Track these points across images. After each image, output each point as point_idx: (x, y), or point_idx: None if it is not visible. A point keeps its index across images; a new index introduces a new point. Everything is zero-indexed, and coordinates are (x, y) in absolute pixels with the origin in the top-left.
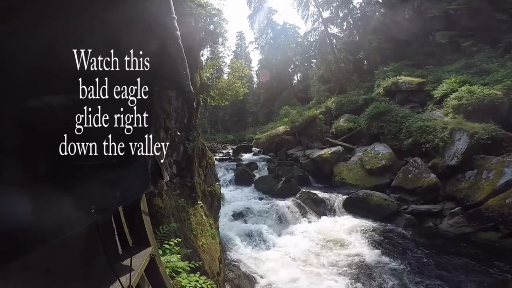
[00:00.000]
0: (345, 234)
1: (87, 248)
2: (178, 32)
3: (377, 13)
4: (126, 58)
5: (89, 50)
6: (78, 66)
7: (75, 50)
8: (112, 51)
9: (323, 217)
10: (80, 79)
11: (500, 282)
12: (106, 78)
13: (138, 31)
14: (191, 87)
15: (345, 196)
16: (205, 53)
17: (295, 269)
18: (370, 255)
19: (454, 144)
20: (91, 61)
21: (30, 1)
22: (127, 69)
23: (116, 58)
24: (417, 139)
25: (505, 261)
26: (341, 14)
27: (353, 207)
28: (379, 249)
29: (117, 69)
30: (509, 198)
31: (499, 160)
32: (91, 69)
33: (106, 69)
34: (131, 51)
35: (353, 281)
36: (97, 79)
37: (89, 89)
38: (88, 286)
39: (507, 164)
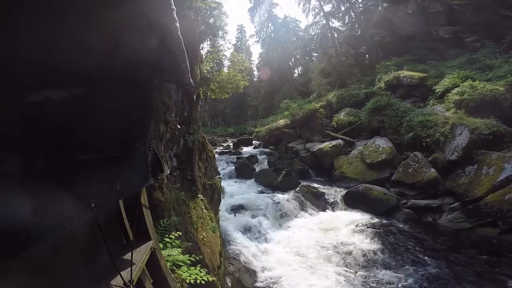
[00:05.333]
0: (345, 228)
1: (89, 243)
2: (178, 24)
3: (380, 8)
4: (126, 53)
5: (90, 47)
6: (79, 62)
7: (76, 47)
8: (112, 46)
9: (323, 211)
10: (80, 74)
11: (498, 278)
12: (106, 73)
13: (138, 27)
14: (191, 80)
15: (345, 190)
16: (205, 47)
17: (294, 262)
18: (369, 249)
19: (455, 139)
20: (92, 57)
21: (33, 1)
22: (127, 63)
23: (116, 53)
24: (418, 134)
25: (502, 257)
26: (343, 8)
27: (353, 201)
28: (378, 243)
29: (118, 63)
30: (508, 194)
31: (500, 155)
32: (92, 64)
33: (107, 64)
34: (131, 46)
35: (352, 275)
36: (97, 74)
37: (89, 83)
38: (90, 281)
39: (507, 160)
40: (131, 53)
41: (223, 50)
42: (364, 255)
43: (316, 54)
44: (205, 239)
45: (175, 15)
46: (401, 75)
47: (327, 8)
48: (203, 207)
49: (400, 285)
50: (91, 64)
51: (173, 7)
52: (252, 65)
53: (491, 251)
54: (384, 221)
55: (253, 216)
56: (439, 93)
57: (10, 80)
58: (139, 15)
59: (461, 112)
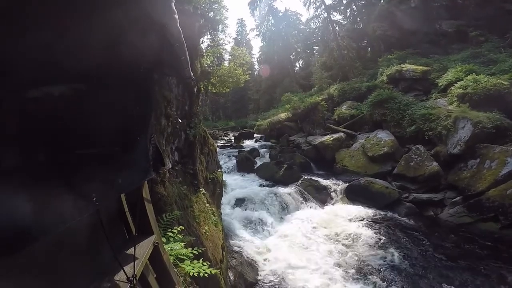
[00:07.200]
0: (346, 222)
1: (92, 238)
2: (176, 16)
3: (382, 1)
4: (128, 50)
5: (92, 45)
6: (80, 60)
7: (78, 46)
8: (114, 44)
9: (325, 204)
10: (80, 72)
11: (498, 273)
12: (107, 69)
13: (140, 24)
14: (191, 73)
15: (347, 183)
16: (205, 41)
17: (296, 256)
18: (370, 243)
19: (458, 132)
20: (93, 55)
21: (36, 1)
22: (128, 59)
23: (117, 51)
24: (420, 127)
25: (503, 252)
26: (344, 1)
27: (355, 195)
28: (379, 237)
29: (118, 60)
30: (510, 189)
31: (503, 149)
32: (93, 62)
33: (108, 61)
34: (133, 43)
35: (352, 268)
36: (98, 71)
37: (90, 80)
38: (93, 277)
39: (510, 154)
40: (132, 50)
41: (224, 44)
42: (364, 249)
43: (318, 48)
44: (207, 233)
45: (174, 7)
46: (403, 68)
47: (329, 1)
48: (205, 201)
49: (401, 279)
50: (92, 62)
51: None
52: (253, 59)
53: (492, 246)
54: (386, 215)
55: (255, 210)
56: (442, 86)
57: (10, 78)
58: (141, 12)
59: (464, 105)
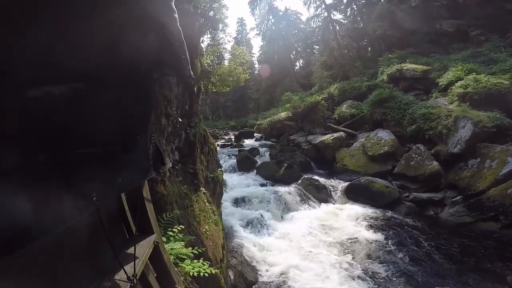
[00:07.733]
0: (346, 221)
1: (92, 237)
2: (176, 15)
3: (382, 0)
4: (128, 50)
5: (92, 45)
6: (80, 60)
7: (78, 46)
8: (114, 44)
9: (325, 204)
10: (80, 72)
11: (498, 273)
12: (107, 69)
13: (140, 23)
14: (191, 72)
15: (347, 183)
16: (205, 40)
17: (296, 255)
18: (370, 242)
19: (458, 132)
20: (93, 55)
21: (36, 1)
22: (128, 59)
23: (117, 50)
24: (421, 126)
25: (503, 252)
26: (344, 1)
27: (355, 194)
28: (379, 236)
29: (119, 60)
30: (510, 188)
31: (503, 149)
32: (93, 62)
33: (108, 61)
34: (133, 43)
35: (352, 267)
36: (98, 71)
37: (90, 80)
38: (93, 276)
39: (511, 153)
40: (132, 50)
41: (224, 43)
42: (365, 248)
43: (318, 47)
44: (207, 232)
45: (173, 6)
46: (404, 67)
47: (329, 0)
48: (206, 200)
49: (401, 278)
50: (92, 62)
51: None
52: (253, 58)
53: (492, 245)
54: (386, 214)
55: (255, 209)
56: (443, 86)
57: (10, 78)
58: (141, 12)
59: (464, 105)
